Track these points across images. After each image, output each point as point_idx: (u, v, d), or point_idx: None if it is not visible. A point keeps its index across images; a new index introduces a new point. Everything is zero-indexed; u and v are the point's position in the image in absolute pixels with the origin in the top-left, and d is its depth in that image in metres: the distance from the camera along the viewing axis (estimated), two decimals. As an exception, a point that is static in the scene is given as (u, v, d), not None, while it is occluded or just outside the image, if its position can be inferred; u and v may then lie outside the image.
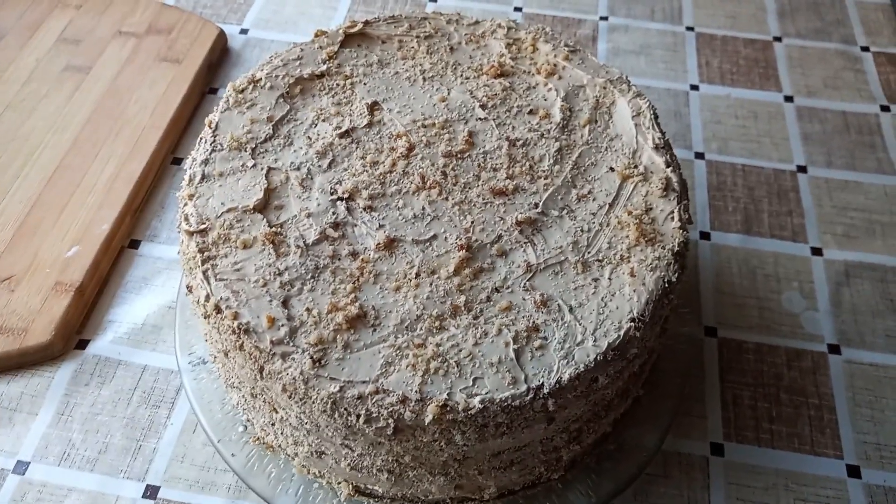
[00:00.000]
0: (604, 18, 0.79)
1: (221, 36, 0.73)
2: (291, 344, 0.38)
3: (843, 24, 0.80)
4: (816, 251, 0.62)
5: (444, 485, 0.42)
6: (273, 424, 0.43)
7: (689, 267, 0.58)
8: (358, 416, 0.37)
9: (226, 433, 0.47)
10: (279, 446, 0.45)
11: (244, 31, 0.76)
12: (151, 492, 0.48)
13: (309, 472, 0.45)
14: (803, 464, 0.51)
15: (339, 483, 0.44)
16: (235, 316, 0.38)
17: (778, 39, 0.79)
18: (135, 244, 0.60)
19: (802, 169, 0.67)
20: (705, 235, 0.63)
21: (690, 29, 0.79)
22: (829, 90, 0.74)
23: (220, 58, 0.72)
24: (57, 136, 0.64)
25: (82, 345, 0.54)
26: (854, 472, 0.51)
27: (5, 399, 0.51)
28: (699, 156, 0.68)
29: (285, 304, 0.39)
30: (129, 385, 0.52)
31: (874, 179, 0.67)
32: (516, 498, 0.45)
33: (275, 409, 0.42)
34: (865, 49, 0.78)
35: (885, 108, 0.72)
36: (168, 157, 0.65)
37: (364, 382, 0.37)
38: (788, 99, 0.73)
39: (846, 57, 0.77)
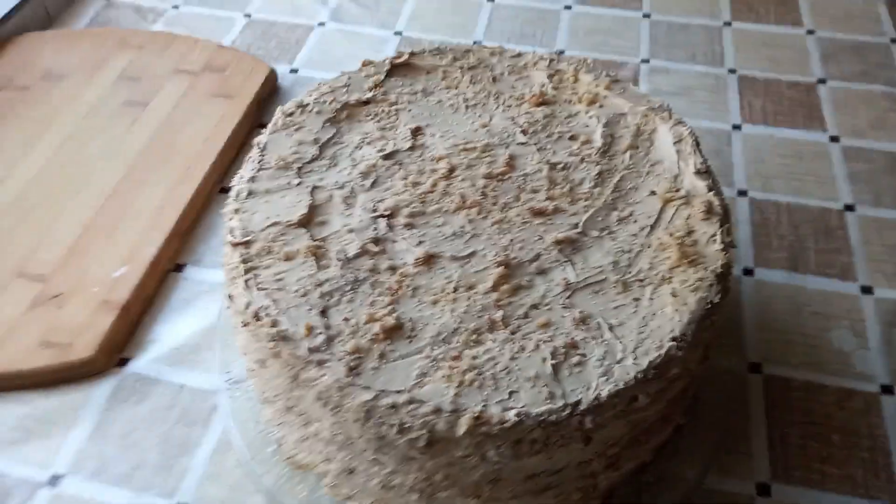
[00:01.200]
0: (645, 61, 0.80)
1: (272, 74, 0.75)
2: (328, 352, 0.38)
3: (887, 66, 0.80)
4: (867, 290, 0.60)
5: (477, 508, 0.41)
6: (305, 440, 0.43)
7: (731, 303, 0.57)
8: (391, 427, 0.36)
9: (258, 451, 0.47)
10: (310, 464, 0.45)
11: (294, 71, 0.79)
12: (182, 510, 0.48)
13: (339, 494, 0.45)
14: (858, 508, 0.48)
15: (370, 504, 0.44)
16: (274, 323, 0.39)
17: (822, 82, 0.78)
18: (180, 268, 0.61)
19: (850, 207, 0.66)
20: (749, 272, 0.61)
21: (732, 71, 0.79)
22: (875, 131, 0.73)
23: (270, 94, 0.75)
24: (112, 163, 0.66)
25: (123, 362, 0.55)
26: (913, 519, 0.48)
27: (44, 412, 0.52)
28: (742, 193, 0.67)
29: (324, 313, 0.39)
30: (166, 403, 0.53)
31: (925, 219, 0.65)
32: (551, 527, 0.44)
33: (308, 422, 0.41)
34: (913, 92, 0.77)
35: (935, 150, 0.71)
36: (216, 186, 0.67)
37: (398, 392, 0.37)
38: (834, 139, 0.72)
39: (891, 99, 0.76)
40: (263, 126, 0.72)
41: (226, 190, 0.67)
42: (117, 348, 0.55)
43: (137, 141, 0.68)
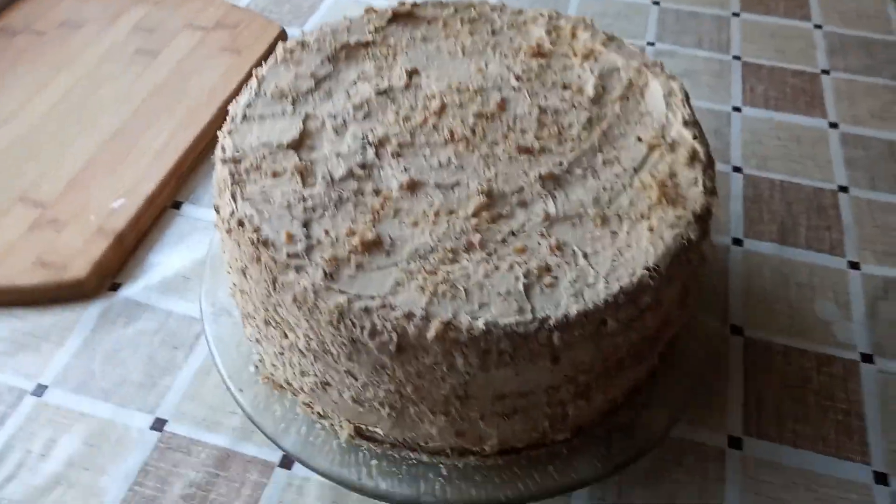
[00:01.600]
0: (651, 44, 0.81)
1: (282, 34, 0.77)
2: (306, 258, 0.39)
3: (893, 63, 0.80)
4: (854, 265, 0.60)
5: (444, 427, 0.42)
6: (282, 353, 0.44)
7: (717, 270, 0.58)
8: (363, 329, 0.37)
9: (237, 372, 0.48)
10: (286, 381, 0.45)
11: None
12: (159, 424, 0.49)
13: (313, 412, 0.45)
14: (827, 466, 0.48)
15: (341, 424, 0.44)
16: (256, 230, 0.40)
17: (826, 72, 0.79)
18: (177, 205, 0.62)
19: (844, 189, 0.66)
20: (738, 241, 0.62)
21: (737, 58, 0.80)
22: (875, 120, 0.73)
23: (278, 53, 0.76)
24: (120, 106, 0.68)
25: (115, 288, 0.56)
26: (881, 479, 0.48)
27: (36, 328, 0.53)
28: (737, 169, 0.68)
29: (306, 225, 0.40)
30: (153, 327, 0.54)
31: (919, 205, 0.65)
32: (519, 458, 0.44)
33: (285, 334, 0.42)
34: (916, 87, 0.77)
35: (933, 141, 0.71)
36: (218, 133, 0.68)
37: (372, 298, 0.37)
38: (833, 125, 0.73)
39: (895, 91, 0.77)
40: (270, 82, 0.74)
41: (229, 137, 0.68)
42: (110, 273, 0.56)
43: (146, 87, 0.70)
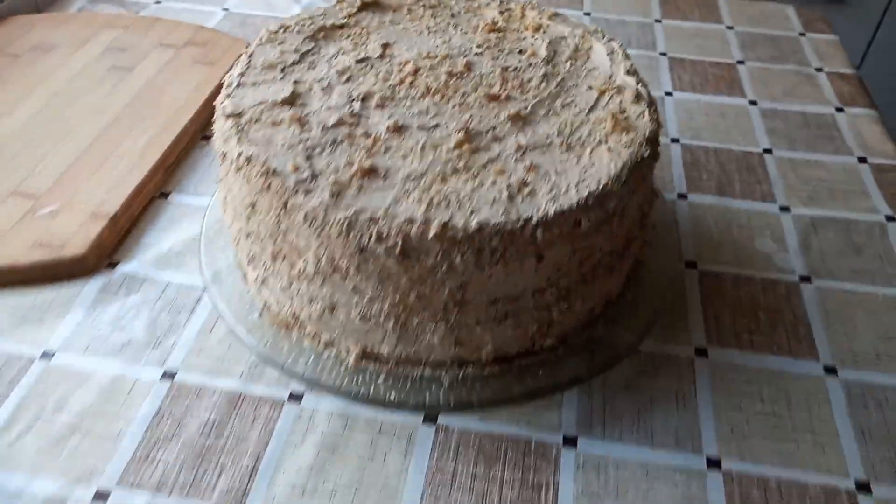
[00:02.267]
0: (586, 46, 0.90)
1: (250, 48, 0.83)
2: (313, 183, 0.43)
3: (797, 52, 0.91)
4: (785, 209, 0.68)
5: (444, 335, 0.46)
6: (290, 286, 0.47)
7: (667, 218, 0.64)
8: (370, 236, 0.41)
9: (242, 318, 0.51)
10: (293, 316, 0.49)
11: (269, 49, 0.86)
12: (168, 375, 0.51)
13: (320, 342, 0.49)
14: (783, 364, 0.54)
15: (348, 350, 0.48)
16: (264, 163, 0.44)
17: (741, 63, 0.89)
18: (165, 195, 0.66)
19: (768, 151, 0.75)
20: (682, 196, 0.69)
21: (664, 54, 0.90)
22: (788, 97, 0.83)
23: (247, 65, 0.82)
24: (98, 116, 0.71)
25: (112, 265, 0.59)
26: (831, 370, 0.54)
27: (38, 303, 0.55)
28: (675, 140, 0.76)
29: (308, 159, 0.45)
30: (153, 296, 0.57)
31: (833, 159, 0.74)
32: (512, 366, 0.49)
33: (293, 263, 0.46)
34: (819, 70, 0.88)
35: (839, 109, 0.81)
36: (198, 133, 0.72)
37: (376, 210, 0.42)
38: (753, 103, 0.82)
39: (802, 75, 0.87)
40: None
41: (208, 137, 0.73)
42: (106, 253, 0.59)
43: (122, 99, 0.74)
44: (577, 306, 0.49)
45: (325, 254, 0.44)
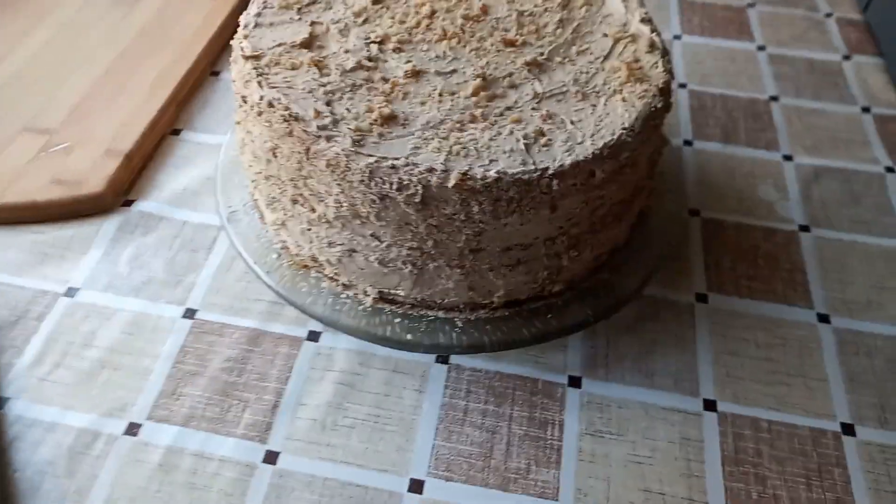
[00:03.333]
0: (596, -16, 0.89)
1: (256, -20, 0.81)
2: (335, 129, 0.44)
3: (808, -3, 0.90)
4: (788, 157, 0.69)
5: (459, 280, 0.48)
6: (309, 230, 0.49)
7: (672, 165, 0.65)
8: (391, 185, 0.43)
9: (261, 258, 0.53)
10: (312, 258, 0.51)
11: (275, -19, 0.84)
12: (190, 313, 0.53)
13: (338, 284, 0.51)
14: (779, 311, 0.56)
15: (366, 292, 0.50)
16: (287, 108, 0.45)
17: (751, 6, 0.88)
18: (176, 132, 0.66)
19: (774, 98, 0.75)
20: (688, 142, 0.70)
21: (673, -4, 0.89)
22: (796, 43, 0.83)
23: (254, -2, 0.81)
24: (108, 49, 0.71)
25: (128, 203, 0.60)
26: (824, 318, 0.56)
27: (58, 241, 0.57)
28: (682, 86, 0.76)
29: (328, 104, 0.46)
30: (170, 234, 0.58)
31: (837, 108, 0.75)
32: (521, 310, 0.51)
33: (313, 208, 0.47)
34: (829, 15, 0.87)
35: (846, 57, 0.81)
36: (208, 69, 0.72)
37: (397, 158, 0.43)
38: (761, 48, 0.82)
39: (811, 20, 0.86)
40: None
41: (217, 73, 0.72)
42: (122, 191, 0.60)
43: (131, 29, 0.73)
44: (586, 254, 0.50)
45: (345, 200, 0.45)
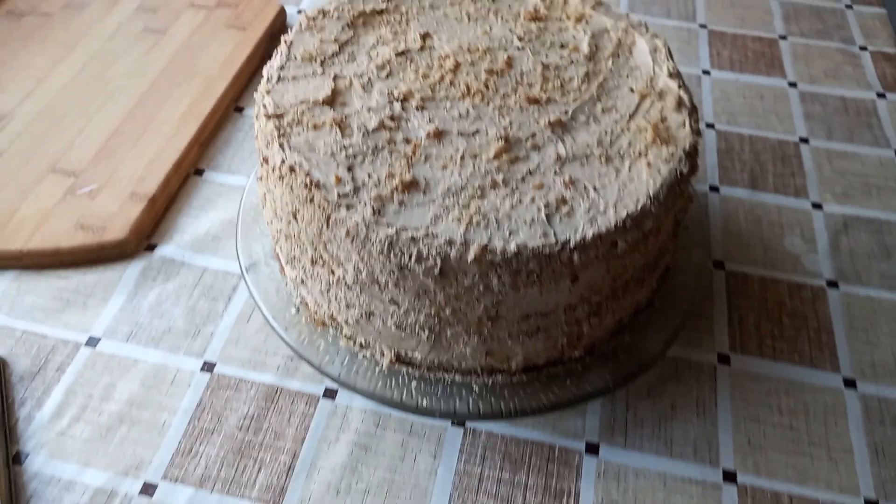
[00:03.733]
0: (624, 15, 0.88)
1: (282, 12, 0.81)
2: (355, 198, 0.44)
3: (842, 27, 0.88)
4: (817, 206, 0.67)
5: (476, 346, 0.47)
6: (328, 290, 0.49)
7: (698, 212, 0.64)
8: (410, 256, 0.42)
9: (279, 314, 0.53)
10: (330, 317, 0.50)
11: (300, 12, 0.84)
12: (208, 367, 0.53)
13: (355, 344, 0.51)
14: (803, 374, 0.55)
15: (382, 352, 0.50)
16: (308, 174, 0.45)
17: (783, 38, 0.86)
18: (200, 172, 0.66)
19: (805, 140, 0.74)
20: (714, 188, 0.68)
21: (703, 26, 0.87)
22: (829, 79, 0.81)
23: (279, 30, 0.81)
24: (135, 81, 0.71)
25: (151, 248, 0.60)
26: (850, 383, 0.55)
27: (81, 286, 0.57)
28: (710, 126, 0.75)
29: (350, 169, 0.45)
30: (191, 282, 0.58)
31: (870, 151, 0.73)
32: (540, 375, 0.50)
33: (332, 270, 0.47)
34: (864, 49, 0.85)
35: (881, 95, 0.79)
36: (232, 104, 0.72)
37: (417, 228, 0.43)
38: (792, 85, 0.80)
39: (845, 54, 0.84)
40: (273, 57, 0.78)
41: (240, 109, 0.73)
42: (145, 235, 0.60)
43: (158, 63, 0.73)
44: (607, 319, 0.50)
45: (364, 267, 0.44)
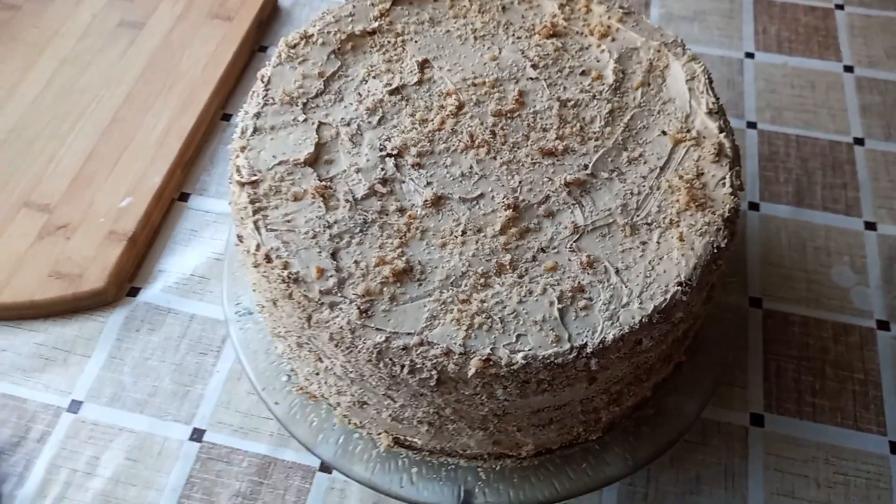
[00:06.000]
0: (658, -18, 0.77)
1: (272, -6, 0.73)
2: (339, 294, 0.38)
3: (909, -8, 0.77)
4: (870, 226, 0.60)
5: (482, 439, 0.43)
6: (317, 374, 0.44)
7: (737, 238, 0.58)
8: (402, 367, 0.37)
9: (270, 382, 0.48)
10: (322, 396, 0.46)
11: (294, -10, 0.76)
12: (198, 435, 0.50)
13: (350, 423, 0.46)
14: (845, 438, 0.50)
15: (380, 434, 0.45)
16: (286, 265, 0.39)
17: (840, 7, 0.76)
18: (184, 197, 0.61)
19: (860, 141, 0.65)
20: (754, 206, 0.61)
21: (748, -6, 0.77)
22: (892, 60, 0.71)
23: (270, 16, 0.73)
24: (111, 90, 0.65)
25: (134, 292, 0.56)
26: (898, 449, 0.50)
27: (60, 341, 0.53)
28: (751, 125, 0.67)
29: (334, 255, 0.40)
30: (177, 333, 0.54)
31: (935, 154, 0.65)
32: (553, 457, 0.46)
33: (320, 358, 0.42)
34: (933, 19, 0.75)
35: (950, 81, 0.70)
36: (218, 112, 0.66)
37: (409, 334, 0.37)
38: (848, 69, 0.71)
39: (911, 26, 0.74)
40: (264, 49, 0.71)
41: (227, 116, 0.66)
42: (127, 278, 0.56)
43: (135, 65, 0.67)
44: (629, 402, 0.45)
45: (353, 369, 0.40)
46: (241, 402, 0.51)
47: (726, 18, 0.75)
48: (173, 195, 0.61)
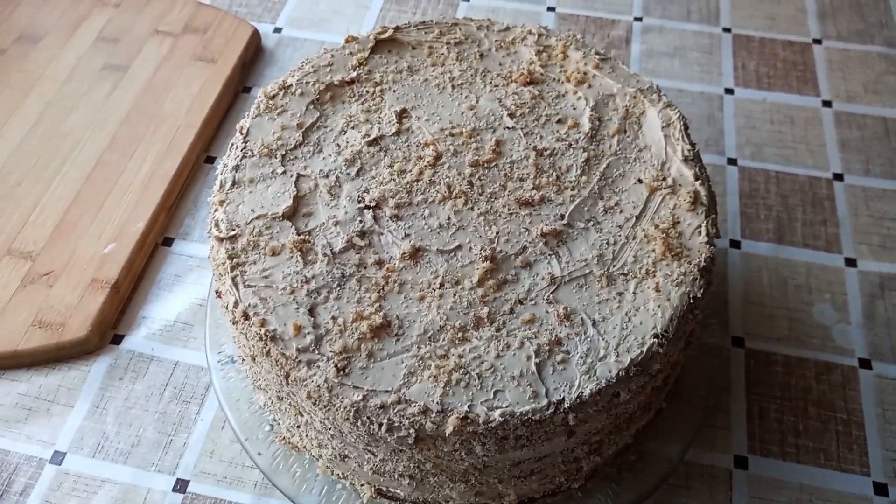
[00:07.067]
0: (638, 19, 0.78)
1: (255, 35, 0.73)
2: (317, 352, 0.39)
3: (886, 26, 0.78)
4: (850, 262, 0.61)
5: (464, 491, 0.43)
6: (298, 427, 0.44)
7: (717, 276, 0.58)
8: (380, 425, 0.37)
9: (253, 432, 0.48)
10: (304, 447, 0.46)
11: (278, 30, 0.76)
12: (181, 485, 0.49)
13: (333, 473, 0.46)
14: (829, 479, 0.50)
15: (362, 485, 0.45)
16: (263, 323, 0.39)
17: (818, 42, 0.77)
18: (168, 242, 0.61)
19: (839, 177, 0.66)
20: (735, 244, 0.62)
21: (727, 30, 0.78)
22: (869, 95, 0.72)
23: (254, 57, 0.73)
24: (95, 133, 0.65)
25: (117, 340, 0.56)
26: (881, 489, 0.50)
27: (43, 391, 0.53)
28: (731, 161, 0.67)
29: (311, 311, 0.40)
30: (161, 380, 0.54)
31: (913, 189, 0.65)
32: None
33: (300, 412, 0.42)
34: (909, 52, 0.76)
35: (927, 115, 0.70)
36: (202, 155, 0.66)
37: (387, 392, 0.38)
38: (826, 104, 0.72)
39: (889, 60, 0.75)
40: (248, 90, 0.72)
41: (211, 159, 0.66)
42: (110, 325, 0.56)
43: (119, 109, 0.67)
44: (610, 451, 0.45)
45: (332, 426, 0.40)
46: (224, 451, 0.51)
47: (706, 54, 0.76)
48: (157, 240, 0.61)
